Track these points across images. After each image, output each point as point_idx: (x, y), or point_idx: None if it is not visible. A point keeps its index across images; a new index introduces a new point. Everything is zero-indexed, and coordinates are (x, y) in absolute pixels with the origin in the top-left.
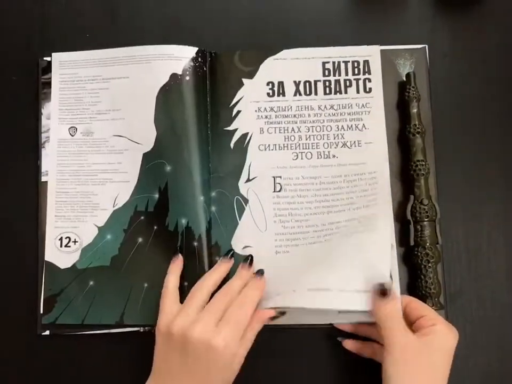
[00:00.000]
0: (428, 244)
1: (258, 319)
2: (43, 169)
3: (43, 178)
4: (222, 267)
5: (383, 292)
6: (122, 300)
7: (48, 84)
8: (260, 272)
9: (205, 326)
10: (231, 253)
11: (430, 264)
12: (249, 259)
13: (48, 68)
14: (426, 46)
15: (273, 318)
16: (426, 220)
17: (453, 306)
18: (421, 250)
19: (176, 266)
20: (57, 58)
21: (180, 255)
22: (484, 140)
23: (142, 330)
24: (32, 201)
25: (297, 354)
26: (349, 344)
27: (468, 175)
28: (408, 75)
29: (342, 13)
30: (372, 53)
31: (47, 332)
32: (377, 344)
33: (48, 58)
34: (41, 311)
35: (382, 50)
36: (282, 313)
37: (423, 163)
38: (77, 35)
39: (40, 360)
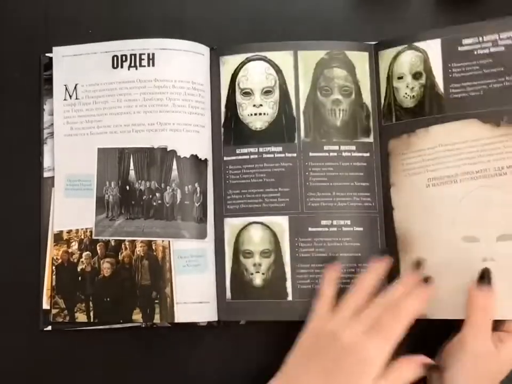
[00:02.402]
0: None
1: (411, 365)
2: (45, 165)
3: (45, 174)
4: (378, 267)
5: (482, 275)
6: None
7: (49, 80)
8: (428, 280)
9: (355, 332)
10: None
11: None
12: (418, 263)
13: (50, 64)
14: None
15: (428, 368)
16: None
17: None
18: None
19: (334, 273)
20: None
21: (340, 263)
22: None
23: (144, 326)
24: (34, 196)
25: None
26: None
27: None
28: None
29: (344, 10)
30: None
31: (49, 328)
32: None
33: (50, 54)
34: (44, 306)
35: None
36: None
37: None
38: (80, 31)
39: (42, 355)
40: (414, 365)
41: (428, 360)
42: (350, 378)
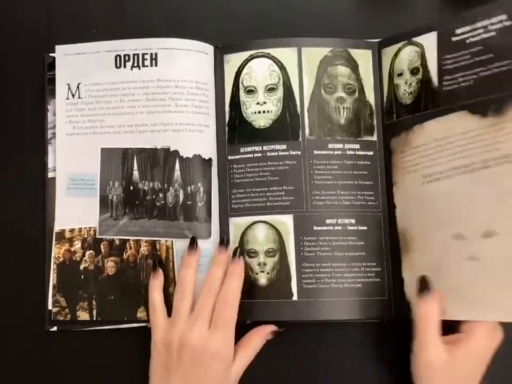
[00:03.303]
0: None
1: (260, 336)
2: (49, 165)
3: (50, 174)
4: (192, 260)
5: (421, 286)
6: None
7: (53, 80)
8: (236, 254)
9: (199, 331)
10: (225, 241)
11: None
12: (225, 241)
13: (53, 63)
14: None
15: (275, 333)
16: None
17: None
18: None
19: (158, 282)
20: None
21: (160, 270)
22: None
23: (149, 326)
24: (39, 197)
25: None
26: None
27: None
28: None
29: (348, 5)
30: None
31: (55, 328)
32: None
33: (54, 54)
34: (49, 307)
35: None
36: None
37: None
38: (83, 31)
39: (48, 356)
40: (260, 334)
41: (272, 327)
42: (211, 376)
